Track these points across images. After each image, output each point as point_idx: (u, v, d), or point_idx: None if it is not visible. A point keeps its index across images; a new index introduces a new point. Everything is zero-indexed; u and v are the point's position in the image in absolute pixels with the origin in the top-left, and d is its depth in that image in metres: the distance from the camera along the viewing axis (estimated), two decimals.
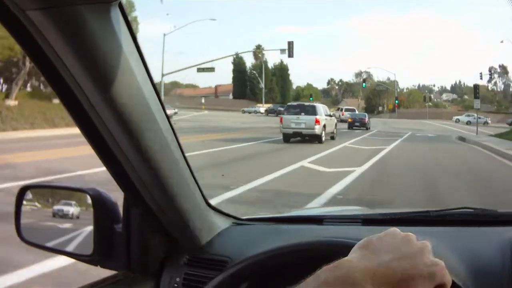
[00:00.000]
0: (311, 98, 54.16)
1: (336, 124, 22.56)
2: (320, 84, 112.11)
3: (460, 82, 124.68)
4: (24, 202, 1.22)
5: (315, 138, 19.09)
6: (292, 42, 41.33)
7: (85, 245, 1.16)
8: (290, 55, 41.55)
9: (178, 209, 1.14)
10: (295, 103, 22.36)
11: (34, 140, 16.60)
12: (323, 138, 19.35)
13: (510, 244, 1.13)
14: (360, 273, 0.60)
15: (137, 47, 0.86)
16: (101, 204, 1.14)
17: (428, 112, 73.51)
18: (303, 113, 19.42)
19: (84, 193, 1.16)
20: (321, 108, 20.63)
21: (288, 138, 19.47)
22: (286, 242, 1.13)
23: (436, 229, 1.30)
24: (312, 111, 19.54)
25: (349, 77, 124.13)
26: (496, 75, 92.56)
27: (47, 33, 0.74)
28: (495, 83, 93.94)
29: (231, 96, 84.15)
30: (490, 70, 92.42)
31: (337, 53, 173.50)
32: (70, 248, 1.21)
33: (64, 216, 1.22)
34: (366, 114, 40.09)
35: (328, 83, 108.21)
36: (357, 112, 47.08)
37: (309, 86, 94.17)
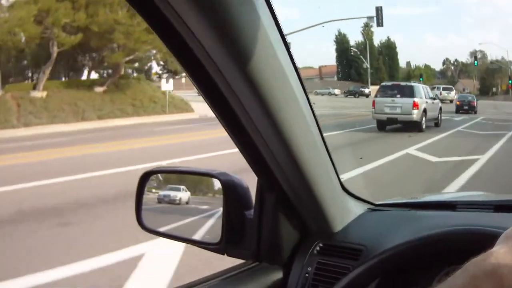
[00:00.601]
0: (421, 79, 50.39)
1: (440, 109, 19.29)
2: (437, 65, 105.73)
3: None
4: (147, 189, 1.22)
5: (414, 125, 16.20)
6: (381, 7, 34.41)
7: (212, 233, 1.14)
8: (379, 23, 34.48)
9: (315, 194, 1.12)
10: (389, 83, 19.28)
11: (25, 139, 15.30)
12: (424, 125, 16.51)
13: None
14: (508, 265, 0.58)
15: (276, 22, 0.84)
16: (232, 190, 1.13)
17: None
18: (398, 95, 16.69)
19: (214, 177, 1.15)
20: (421, 89, 17.74)
21: (383, 125, 16.80)
22: (422, 230, 1.05)
23: None
24: (410, 92, 16.72)
25: (464, 57, 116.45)
26: None
27: (186, 16, 0.73)
28: None
29: (336, 78, 79.43)
30: None
31: (453, 31, 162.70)
32: (195, 235, 1.21)
33: (171, 202, 1.24)
34: (474, 96, 36.60)
35: (444, 63, 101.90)
36: (455, 92, 42.78)
37: (418, 66, 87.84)
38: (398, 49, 79.52)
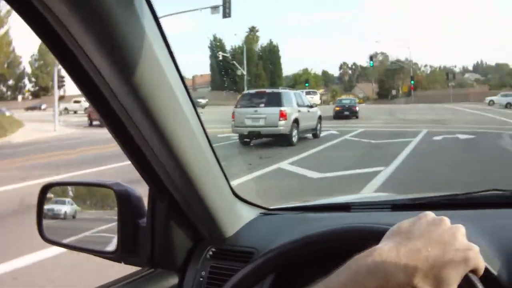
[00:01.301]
0: (306, 84, 51.39)
1: (320, 117, 18.83)
2: (335, 70, 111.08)
3: (481, 61, 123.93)
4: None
5: (282, 139, 15.43)
6: None
7: (108, 242, 1.29)
8: (226, 15, 31.94)
9: (205, 200, 1.26)
10: (253, 91, 18.30)
11: None
12: (295, 138, 15.76)
13: None
14: (392, 262, 0.67)
15: (161, 32, 0.94)
16: (125, 199, 1.26)
17: (452, 94, 68.10)
18: (263, 105, 15.86)
19: (108, 188, 1.28)
20: (292, 96, 17.05)
21: (246, 140, 15.95)
22: (312, 231, 1.16)
23: (465, 212, 1.44)
24: (277, 101, 15.89)
25: (363, 60, 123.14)
26: None
27: (67, 21, 0.81)
28: None
29: (210, 88, 78.93)
30: None
31: (349, 35, 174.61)
32: (93, 245, 1.37)
33: (56, 216, 1.41)
34: (355, 99, 38.26)
35: (341, 67, 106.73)
36: (321, 96, 43.73)
37: (306, 71, 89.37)
38: (282, 54, 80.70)
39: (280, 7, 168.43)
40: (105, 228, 1.34)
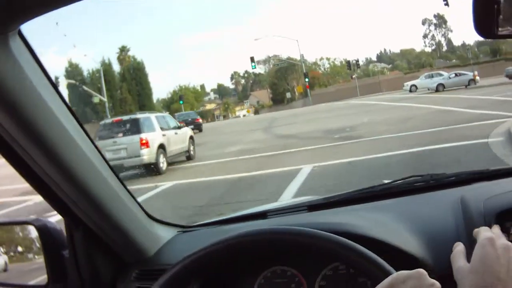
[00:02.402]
0: (181, 102, 52.88)
1: (192, 138, 20.66)
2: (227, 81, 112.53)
3: (385, 50, 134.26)
4: None
5: (150, 169, 16.55)
6: None
7: (39, 275, 1.60)
8: None
9: (118, 226, 1.58)
10: (109, 120, 19.23)
11: None
12: (163, 165, 17.06)
13: (460, 203, 1.66)
14: None
15: (45, 73, 1.19)
16: (47, 233, 1.59)
17: (358, 85, 70.33)
18: (121, 134, 17.01)
19: (29, 224, 1.62)
20: (153, 120, 18.13)
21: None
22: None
23: (385, 202, 1.86)
24: (135, 128, 17.05)
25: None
26: (432, 28, 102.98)
27: None
28: (433, 37, 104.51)
29: None
30: (423, 22, 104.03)
31: (238, 43, 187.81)
32: (25, 280, 1.73)
33: None
34: (195, 112, 44.74)
35: (232, 78, 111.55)
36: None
37: (183, 87, 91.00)
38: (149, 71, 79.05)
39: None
40: (35, 262, 1.60)
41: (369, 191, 1.97)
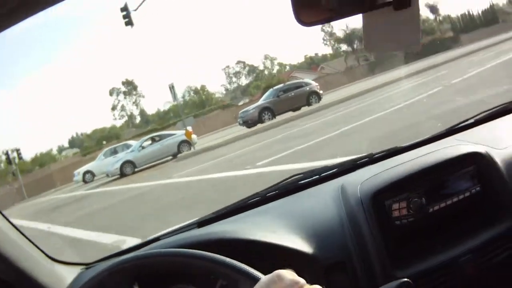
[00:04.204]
0: None
1: None
2: None
3: (77, 134, 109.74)
4: None
5: None
6: None
7: None
8: None
9: (19, 272, 1.66)
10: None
11: None
12: None
13: (340, 192, 1.86)
14: None
15: None
16: None
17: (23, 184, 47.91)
18: None
19: None
20: None
21: None
22: None
23: (271, 205, 2.02)
24: None
25: None
26: (121, 97, 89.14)
27: None
28: (123, 107, 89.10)
29: None
30: (111, 93, 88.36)
31: None
32: None
33: None
34: None
35: None
36: None
37: None
38: None
39: None
40: None
41: (254, 198, 2.08)
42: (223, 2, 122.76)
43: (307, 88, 29.11)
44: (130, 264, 1.49)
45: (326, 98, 28.83)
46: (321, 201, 1.83)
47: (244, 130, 25.80)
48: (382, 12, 1.18)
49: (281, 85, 30.88)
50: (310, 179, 2.05)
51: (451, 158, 1.87)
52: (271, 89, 30.05)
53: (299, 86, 29.49)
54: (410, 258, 1.74)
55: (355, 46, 63.93)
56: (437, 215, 1.81)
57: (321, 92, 29.13)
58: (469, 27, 59.49)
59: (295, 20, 1.17)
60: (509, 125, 2.34)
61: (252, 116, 27.09)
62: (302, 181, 2.05)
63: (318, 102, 27.84)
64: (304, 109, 27.16)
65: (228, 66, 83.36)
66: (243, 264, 1.32)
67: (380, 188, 1.74)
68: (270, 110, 27.13)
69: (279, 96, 28.23)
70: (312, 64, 73.81)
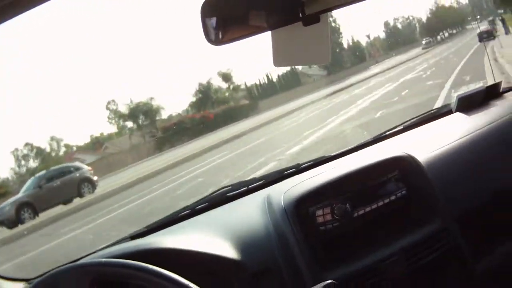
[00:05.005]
0: None
1: None
2: None
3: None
4: None
5: None
6: None
7: None
8: None
9: None
10: None
11: None
12: None
13: (266, 202, 1.90)
14: None
15: None
16: None
17: None
18: None
19: None
20: None
21: None
22: None
23: (200, 217, 2.08)
24: None
25: None
26: None
27: None
28: None
29: None
30: None
31: None
32: None
33: None
34: None
35: None
36: None
37: None
38: None
39: None
40: None
41: (185, 211, 2.11)
42: None
43: (77, 174, 23.10)
44: (66, 272, 1.47)
45: (105, 185, 23.68)
46: (249, 211, 1.88)
47: None
48: (291, 28, 1.21)
49: (43, 172, 24.43)
50: (238, 190, 2.12)
51: (374, 163, 1.93)
52: (32, 178, 23.85)
53: (66, 171, 23.33)
54: (338, 262, 1.75)
55: (140, 121, 58.90)
56: (363, 220, 1.84)
57: (95, 178, 23.48)
58: (267, 93, 56.59)
59: (205, 40, 1.20)
60: (435, 130, 2.37)
61: (8, 215, 20.34)
62: (230, 193, 2.12)
63: (93, 191, 22.41)
64: (77, 201, 21.43)
65: (16, 149, 76.19)
66: (173, 274, 1.33)
67: (303, 196, 1.80)
68: (31, 206, 20.65)
69: (41, 187, 21.85)
70: (97, 143, 69.13)
